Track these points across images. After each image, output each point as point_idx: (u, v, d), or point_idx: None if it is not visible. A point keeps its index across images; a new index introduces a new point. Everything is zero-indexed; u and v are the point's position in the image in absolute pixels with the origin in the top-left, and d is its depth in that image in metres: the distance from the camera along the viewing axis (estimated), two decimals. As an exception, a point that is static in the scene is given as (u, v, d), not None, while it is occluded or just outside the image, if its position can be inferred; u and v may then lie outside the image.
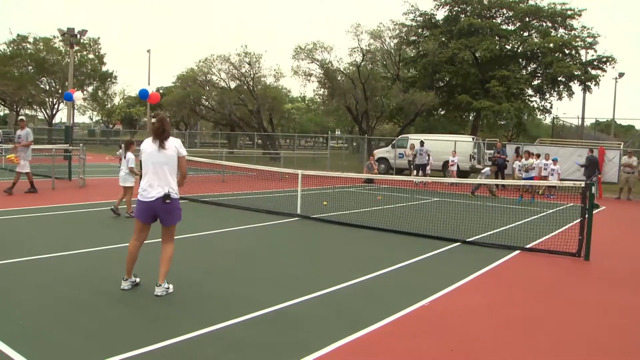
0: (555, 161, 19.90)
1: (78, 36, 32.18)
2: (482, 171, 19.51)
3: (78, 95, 24.50)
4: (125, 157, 11.16)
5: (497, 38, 34.25)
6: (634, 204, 18.74)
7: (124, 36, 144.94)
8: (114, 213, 11.12)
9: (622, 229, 13.21)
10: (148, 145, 5.86)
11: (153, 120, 6.07)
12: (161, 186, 5.74)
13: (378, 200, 13.59)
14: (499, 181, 18.80)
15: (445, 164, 24.82)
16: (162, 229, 5.97)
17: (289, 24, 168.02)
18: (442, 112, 38.81)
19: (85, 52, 50.33)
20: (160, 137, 5.81)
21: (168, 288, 5.91)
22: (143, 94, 17.66)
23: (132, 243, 5.98)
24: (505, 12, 35.36)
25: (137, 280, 6.16)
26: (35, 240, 8.58)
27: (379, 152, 28.77)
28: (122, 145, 11.65)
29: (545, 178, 19.34)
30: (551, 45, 32.74)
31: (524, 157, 19.07)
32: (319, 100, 44.21)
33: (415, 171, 23.29)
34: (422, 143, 23.25)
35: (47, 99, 51.73)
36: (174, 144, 5.85)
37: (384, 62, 36.09)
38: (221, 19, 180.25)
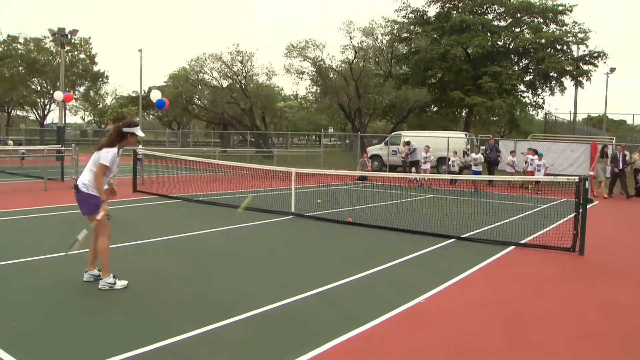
0: (540, 156, 19.87)
1: (69, 36, 32.00)
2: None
3: (59, 95, 24.48)
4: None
5: (489, 34, 34.30)
6: (626, 198, 18.79)
7: (115, 35, 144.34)
8: None
9: (616, 223, 13.26)
10: None
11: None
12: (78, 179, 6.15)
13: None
14: (490, 177, 18.87)
15: (440, 160, 24.90)
16: None
17: (277, 20, 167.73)
18: (435, 109, 38.86)
19: (76, 52, 50.07)
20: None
21: (113, 284, 5.92)
22: (160, 104, 18.01)
23: None
24: (496, 8, 35.42)
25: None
26: (29, 241, 8.51)
27: (372, 150, 28.75)
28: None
29: (531, 173, 19.33)
30: (543, 41, 32.84)
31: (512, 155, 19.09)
32: (311, 98, 44.15)
33: (409, 168, 23.39)
34: (407, 142, 23.76)
35: (38, 100, 51.45)
36: (102, 151, 5.98)
37: (376, 59, 36.06)
38: (213, 18, 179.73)
